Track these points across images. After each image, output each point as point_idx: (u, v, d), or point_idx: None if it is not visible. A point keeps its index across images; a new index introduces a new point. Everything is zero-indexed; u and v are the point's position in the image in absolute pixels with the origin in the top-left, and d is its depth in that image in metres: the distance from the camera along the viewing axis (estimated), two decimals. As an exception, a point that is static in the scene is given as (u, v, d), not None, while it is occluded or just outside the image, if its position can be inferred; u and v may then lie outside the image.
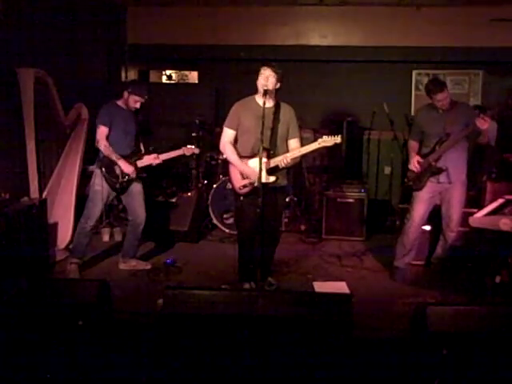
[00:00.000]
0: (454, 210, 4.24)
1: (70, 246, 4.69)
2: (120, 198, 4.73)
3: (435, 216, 4.42)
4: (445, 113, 4.18)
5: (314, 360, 2.32)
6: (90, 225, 4.39)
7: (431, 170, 4.21)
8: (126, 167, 4.35)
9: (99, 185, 4.33)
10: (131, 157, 4.44)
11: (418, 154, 4.33)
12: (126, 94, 4.39)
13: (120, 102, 4.44)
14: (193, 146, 4.73)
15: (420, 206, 4.30)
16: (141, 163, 4.48)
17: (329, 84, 7.08)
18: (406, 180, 4.45)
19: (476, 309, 2.41)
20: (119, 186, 4.40)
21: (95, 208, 4.37)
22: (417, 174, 4.28)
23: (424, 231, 4.58)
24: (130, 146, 4.48)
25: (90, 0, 6.28)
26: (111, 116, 4.35)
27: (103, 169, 4.32)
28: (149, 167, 4.56)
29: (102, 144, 4.30)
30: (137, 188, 4.53)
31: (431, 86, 4.13)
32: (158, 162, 4.53)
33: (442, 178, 4.20)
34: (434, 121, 4.21)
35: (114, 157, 4.32)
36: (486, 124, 3.88)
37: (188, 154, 4.68)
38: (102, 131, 4.31)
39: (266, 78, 3.72)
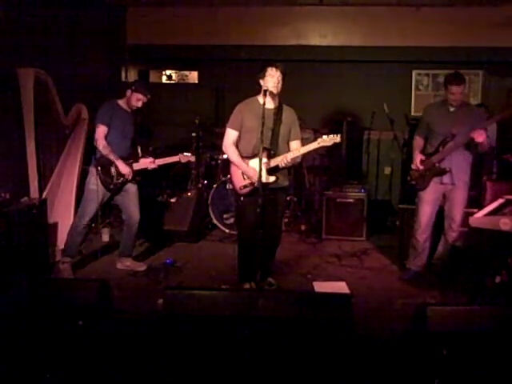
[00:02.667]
0: (457, 211, 4.22)
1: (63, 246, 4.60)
2: (113, 198, 4.61)
3: (436, 216, 4.40)
4: (454, 111, 4.13)
5: (314, 360, 2.32)
6: (84, 223, 4.37)
7: (435, 171, 4.19)
8: (123, 168, 4.34)
9: (94, 184, 4.31)
10: (128, 159, 4.42)
11: (422, 152, 4.31)
12: (129, 91, 4.35)
13: (121, 102, 4.41)
14: (189, 154, 4.71)
15: (426, 208, 4.29)
16: (137, 166, 4.46)
17: (329, 84, 7.07)
18: (408, 178, 4.41)
19: (476, 309, 2.41)
20: (113, 186, 4.38)
21: (89, 207, 4.36)
22: (420, 173, 4.27)
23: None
24: (127, 148, 4.45)
25: (90, 0, 6.29)
26: (111, 116, 4.31)
27: (99, 168, 4.30)
28: (144, 170, 4.54)
29: (101, 143, 4.27)
30: (132, 189, 4.51)
31: (450, 77, 4.08)
32: (153, 166, 4.53)
33: (446, 178, 4.19)
34: (443, 118, 4.16)
35: (112, 157, 4.30)
36: (481, 137, 3.87)
37: (184, 161, 4.65)
38: (102, 130, 4.28)
39: (277, 80, 3.72)
